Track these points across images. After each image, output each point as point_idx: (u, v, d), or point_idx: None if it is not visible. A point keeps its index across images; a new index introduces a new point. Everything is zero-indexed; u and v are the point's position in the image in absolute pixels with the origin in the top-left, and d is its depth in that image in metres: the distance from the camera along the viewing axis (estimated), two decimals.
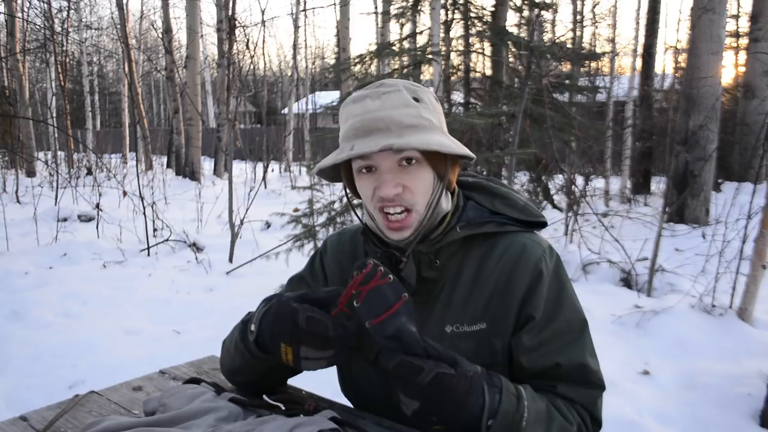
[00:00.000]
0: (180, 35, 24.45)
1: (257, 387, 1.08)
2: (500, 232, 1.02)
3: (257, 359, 1.00)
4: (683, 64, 9.09)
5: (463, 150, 0.98)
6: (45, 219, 6.67)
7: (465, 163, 1.08)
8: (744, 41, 10.65)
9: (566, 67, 7.40)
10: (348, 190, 1.09)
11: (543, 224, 1.07)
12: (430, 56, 4.95)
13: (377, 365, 1.06)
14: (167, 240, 5.76)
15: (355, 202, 1.11)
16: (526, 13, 7.81)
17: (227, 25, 6.47)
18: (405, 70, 5.16)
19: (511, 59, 7.19)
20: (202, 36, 17.00)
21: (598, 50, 12.50)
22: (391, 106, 0.96)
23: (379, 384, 1.07)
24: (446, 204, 1.02)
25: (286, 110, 17.79)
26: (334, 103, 5.22)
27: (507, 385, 0.88)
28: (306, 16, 17.56)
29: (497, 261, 1.00)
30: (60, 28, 14.25)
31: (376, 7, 14.02)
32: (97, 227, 6.27)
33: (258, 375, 1.06)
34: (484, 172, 5.21)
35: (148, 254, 5.48)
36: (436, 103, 1.03)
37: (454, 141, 1.00)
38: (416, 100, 0.99)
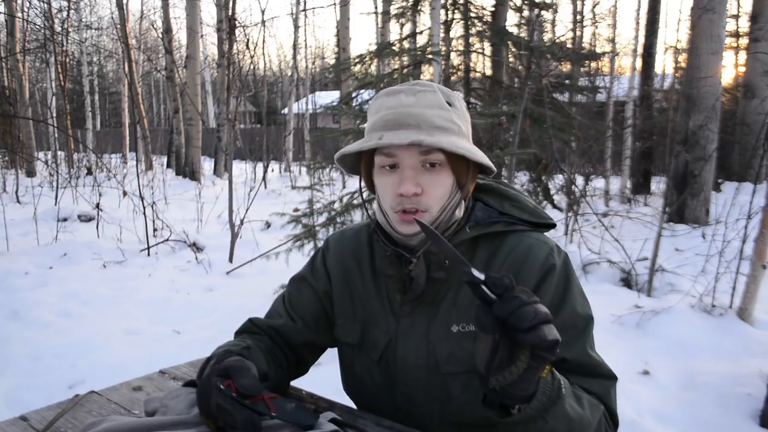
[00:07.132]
0: (180, 35, 24.49)
1: None
2: (508, 231, 1.02)
3: None
4: (683, 64, 9.08)
5: (487, 160, 0.98)
6: (45, 219, 6.67)
7: (484, 177, 1.08)
8: (744, 41, 10.65)
9: (566, 67, 7.39)
10: (362, 184, 1.08)
11: (551, 226, 1.06)
12: (430, 56, 4.93)
13: (380, 365, 1.06)
14: (167, 240, 5.76)
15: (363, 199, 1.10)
16: (526, 13, 7.80)
17: (227, 25, 6.47)
18: (405, 70, 5.14)
19: (511, 59, 7.18)
20: (202, 36, 16.99)
21: (598, 50, 12.48)
22: (425, 105, 0.96)
23: (381, 384, 1.07)
24: (459, 212, 1.01)
25: (286, 110, 17.80)
26: (334, 103, 5.21)
27: None
28: (306, 16, 17.61)
29: (504, 259, 1.00)
30: (60, 28, 14.25)
31: (376, 7, 14.02)
32: (97, 227, 6.27)
33: None
34: None
35: (148, 254, 5.48)
36: (466, 111, 1.03)
37: (479, 150, 0.99)
38: (449, 104, 0.99)
